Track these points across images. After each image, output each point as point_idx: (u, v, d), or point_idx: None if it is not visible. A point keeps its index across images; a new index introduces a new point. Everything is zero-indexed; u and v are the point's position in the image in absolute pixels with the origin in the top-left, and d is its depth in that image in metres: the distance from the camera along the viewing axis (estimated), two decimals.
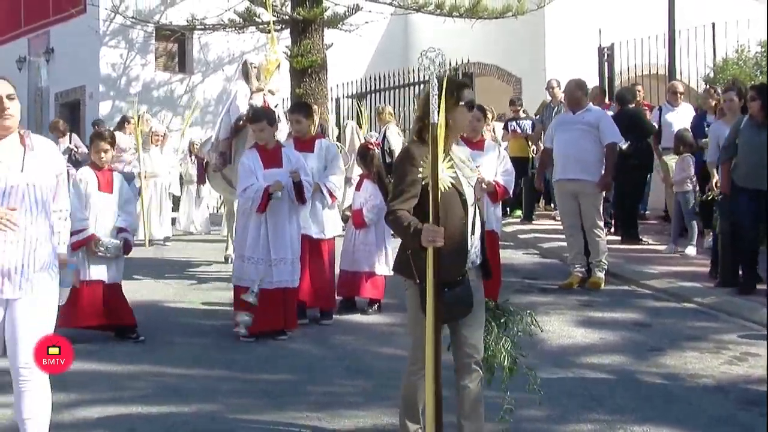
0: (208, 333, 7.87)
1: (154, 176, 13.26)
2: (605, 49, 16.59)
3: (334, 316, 8.30)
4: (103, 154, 7.39)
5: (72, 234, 6.19)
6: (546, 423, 5.55)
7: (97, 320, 7.40)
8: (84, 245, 7.22)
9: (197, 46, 21.40)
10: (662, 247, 11.10)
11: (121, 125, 15.24)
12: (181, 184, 15.11)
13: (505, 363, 4.84)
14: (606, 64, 16.57)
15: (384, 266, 8.46)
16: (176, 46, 21.59)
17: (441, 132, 4.12)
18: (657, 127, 12.10)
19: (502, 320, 4.90)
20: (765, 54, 15.78)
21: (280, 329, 7.60)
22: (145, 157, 13.26)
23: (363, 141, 12.33)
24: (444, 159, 4.19)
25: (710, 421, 5.50)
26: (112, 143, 7.60)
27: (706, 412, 5.65)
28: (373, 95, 19.48)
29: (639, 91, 13.09)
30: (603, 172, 9.31)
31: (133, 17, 18.90)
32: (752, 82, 12.47)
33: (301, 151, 8.11)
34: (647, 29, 15.50)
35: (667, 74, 14.79)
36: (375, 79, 19.63)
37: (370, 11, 17.41)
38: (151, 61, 21.14)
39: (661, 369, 6.64)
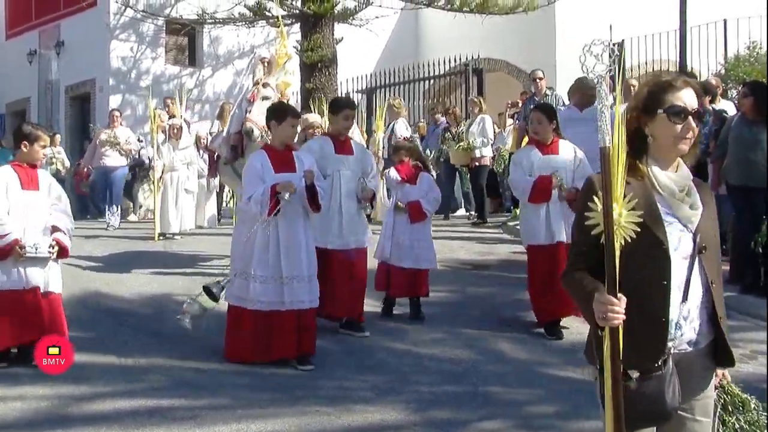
0: (218, 328, 7.86)
1: (171, 170, 13.26)
2: (615, 45, 16.53)
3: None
4: (42, 151, 6.74)
5: None
6: (556, 419, 5.56)
7: (38, 333, 6.19)
8: (9, 252, 6.35)
9: (207, 40, 21.42)
10: None
11: (111, 120, 15.28)
12: None
13: None
14: (616, 60, 16.50)
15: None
16: (186, 39, 21.59)
17: (617, 159, 2.86)
18: None
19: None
20: None
21: (295, 356, 6.68)
22: (162, 151, 13.24)
23: (365, 137, 12.46)
24: (626, 197, 2.88)
25: None
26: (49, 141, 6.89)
27: None
28: (383, 90, 19.48)
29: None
30: None
31: (143, 11, 18.95)
32: (763, 80, 12.40)
33: (341, 153, 7.66)
34: (658, 25, 15.45)
35: (678, 71, 14.75)
36: (385, 74, 19.63)
37: (380, 6, 17.42)
38: (161, 55, 21.16)
39: None
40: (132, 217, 16.28)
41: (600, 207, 2.85)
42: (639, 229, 2.88)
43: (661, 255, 2.99)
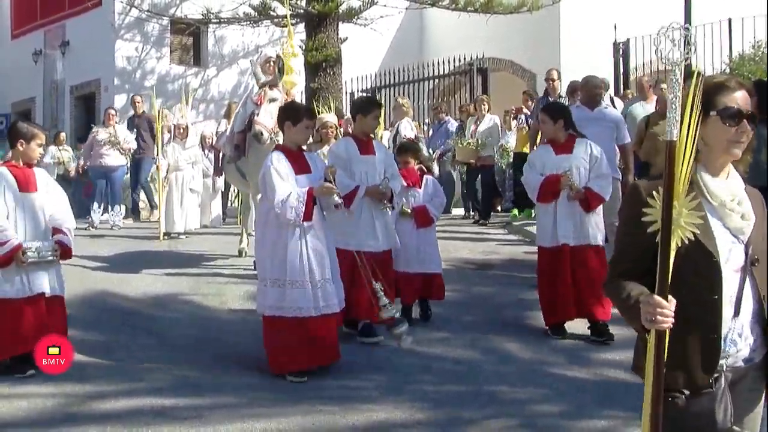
0: (223, 327, 7.88)
1: (176, 170, 13.27)
2: (620, 45, 16.53)
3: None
4: (41, 150, 6.54)
5: None
6: (560, 418, 5.55)
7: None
8: (11, 259, 6.15)
9: (212, 39, 21.43)
10: None
11: (106, 118, 15.23)
12: None
13: None
14: (621, 59, 16.50)
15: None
16: (191, 39, 21.62)
17: (682, 155, 2.64)
18: None
19: None
20: None
21: (327, 363, 6.56)
22: (167, 151, 13.25)
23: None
24: (688, 196, 2.68)
25: None
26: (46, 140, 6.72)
27: None
28: (387, 90, 19.50)
29: None
30: (623, 171, 9.25)
31: (148, 10, 18.99)
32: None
33: (366, 154, 7.39)
34: (663, 24, 15.42)
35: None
36: (389, 74, 19.65)
37: (385, 5, 17.44)
38: (166, 55, 21.18)
39: None
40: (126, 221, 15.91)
41: (659, 204, 2.65)
42: (698, 230, 2.69)
43: (712, 268, 2.81)
